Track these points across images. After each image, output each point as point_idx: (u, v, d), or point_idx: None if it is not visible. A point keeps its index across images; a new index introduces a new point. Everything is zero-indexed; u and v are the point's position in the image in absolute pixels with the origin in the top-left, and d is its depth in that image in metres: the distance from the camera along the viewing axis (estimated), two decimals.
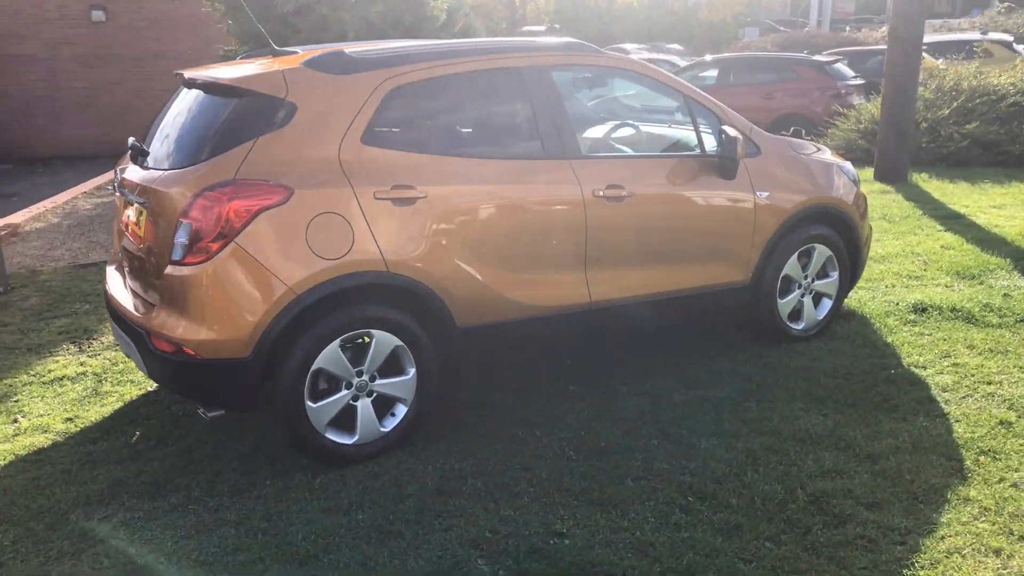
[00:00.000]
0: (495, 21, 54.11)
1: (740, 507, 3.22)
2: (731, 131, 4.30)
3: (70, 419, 4.24)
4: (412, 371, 3.73)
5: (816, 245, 4.85)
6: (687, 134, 4.59)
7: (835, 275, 5.00)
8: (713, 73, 14.31)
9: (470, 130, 3.98)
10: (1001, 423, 3.87)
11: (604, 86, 5.04)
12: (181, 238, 3.34)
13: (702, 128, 4.50)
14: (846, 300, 5.53)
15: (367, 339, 3.61)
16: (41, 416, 4.30)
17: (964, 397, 4.16)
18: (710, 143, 4.45)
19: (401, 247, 3.58)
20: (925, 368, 4.52)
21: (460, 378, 4.23)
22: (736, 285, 4.61)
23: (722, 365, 4.62)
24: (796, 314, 4.94)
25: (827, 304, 5.03)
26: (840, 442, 3.72)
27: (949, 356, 4.66)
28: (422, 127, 3.79)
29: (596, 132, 4.64)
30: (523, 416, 4.06)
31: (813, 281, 4.94)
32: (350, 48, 3.82)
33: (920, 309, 5.38)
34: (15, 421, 4.26)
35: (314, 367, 3.48)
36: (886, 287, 5.87)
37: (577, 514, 3.21)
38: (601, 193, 4.06)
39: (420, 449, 3.77)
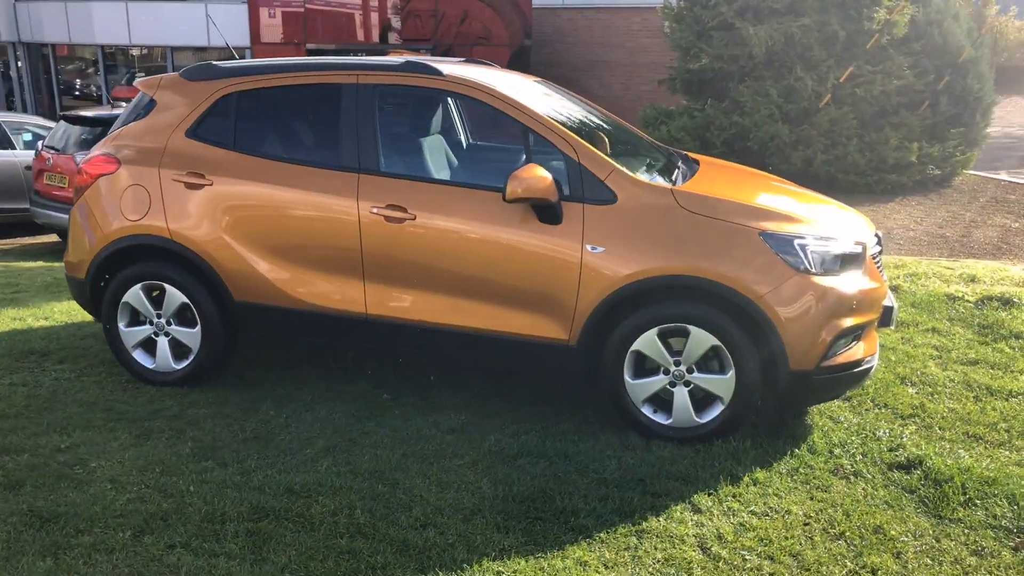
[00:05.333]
0: None
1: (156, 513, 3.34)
2: (522, 170, 3.85)
3: None
4: (197, 327, 4.53)
5: (691, 327, 3.89)
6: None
7: (731, 374, 3.90)
8: None
9: (275, 135, 4.46)
10: None
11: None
12: (75, 191, 4.78)
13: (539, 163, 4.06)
14: (819, 419, 4.18)
15: (168, 289, 4.54)
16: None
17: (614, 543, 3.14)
18: None
19: (183, 221, 4.41)
20: (667, 518, 3.40)
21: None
22: (555, 343, 4.06)
23: (537, 425, 4.16)
24: (662, 404, 4.04)
25: (717, 408, 3.96)
26: (376, 522, 3.33)
27: (746, 516, 3.38)
28: (235, 129, 4.45)
29: (424, 154, 4.48)
30: (282, 397, 4.48)
31: (691, 372, 3.95)
32: (223, 62, 4.67)
33: (904, 467, 3.78)
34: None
35: (123, 300, 4.59)
36: (938, 430, 4.13)
37: (97, 462, 3.75)
38: (377, 211, 4.15)
39: (191, 392, 4.54)
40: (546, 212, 3.94)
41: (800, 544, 3.18)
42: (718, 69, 11.56)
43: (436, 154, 4.40)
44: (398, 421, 4.22)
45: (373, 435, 4.06)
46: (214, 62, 4.70)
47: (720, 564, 3.06)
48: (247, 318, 4.47)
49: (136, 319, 4.64)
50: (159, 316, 4.58)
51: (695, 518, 3.36)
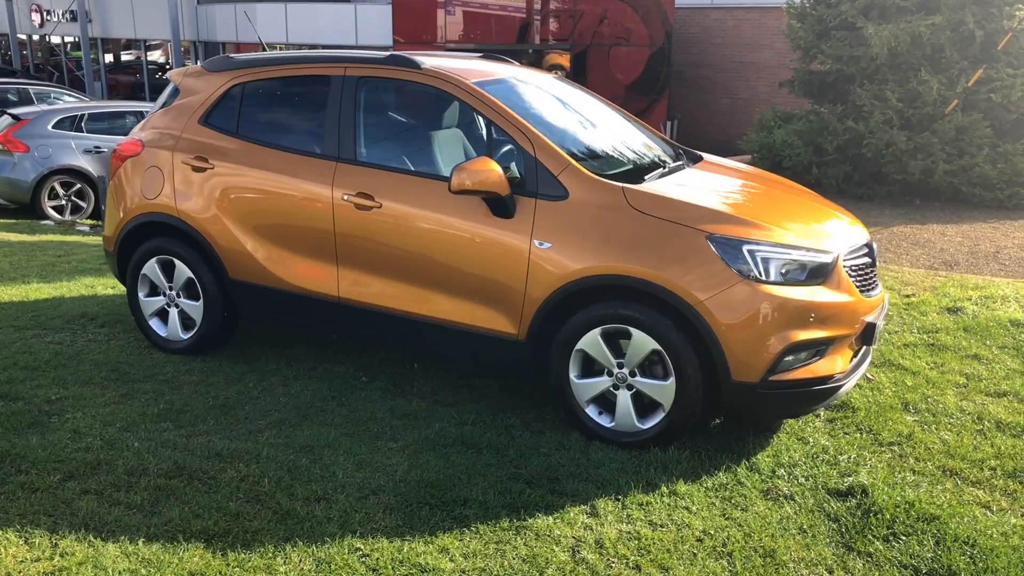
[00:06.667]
0: None
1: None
2: (472, 162, 3.88)
3: None
4: (200, 301, 4.88)
5: (632, 329, 3.79)
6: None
7: (670, 381, 3.77)
8: None
9: (270, 124, 4.69)
10: None
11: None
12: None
13: (497, 157, 4.10)
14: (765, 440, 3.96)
15: (176, 263, 4.92)
16: None
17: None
18: None
19: (188, 201, 4.76)
20: (558, 518, 3.33)
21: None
22: (506, 337, 4.08)
23: (502, 421, 4.19)
24: (607, 405, 3.97)
25: (660, 415, 3.85)
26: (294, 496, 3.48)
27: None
28: (238, 117, 4.74)
29: (400, 145, 4.53)
30: (268, 372, 4.74)
31: (634, 375, 3.86)
32: (238, 55, 4.98)
33: (842, 494, 3.53)
34: None
35: (142, 272, 5.02)
36: (912, 461, 3.80)
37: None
38: (346, 198, 4.32)
39: (192, 360, 4.89)
40: (497, 205, 3.96)
41: (677, 559, 3.05)
42: (838, 71, 10.95)
43: (417, 145, 4.50)
44: (359, 403, 4.36)
45: (328, 414, 4.23)
46: (231, 55, 5.03)
47: (579, 568, 2.99)
48: (240, 296, 4.76)
49: (154, 290, 5.06)
50: (171, 288, 4.96)
51: (587, 521, 3.29)
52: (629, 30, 18.72)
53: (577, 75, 18.67)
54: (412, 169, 4.30)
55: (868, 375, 4.73)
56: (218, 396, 4.41)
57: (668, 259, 3.70)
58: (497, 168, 3.87)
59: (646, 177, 4.20)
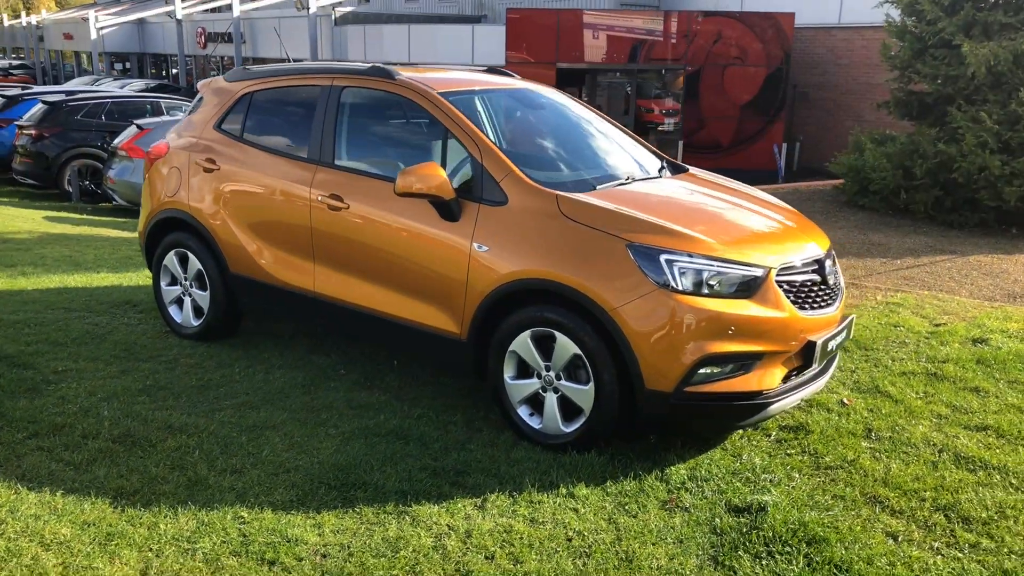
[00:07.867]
0: None
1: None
2: (418, 166, 4.07)
3: None
4: (207, 292, 5.32)
5: (556, 333, 3.88)
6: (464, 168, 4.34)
7: (590, 386, 3.83)
8: None
9: (268, 130, 5.05)
10: None
11: None
12: None
13: (450, 163, 4.29)
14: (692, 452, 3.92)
15: (189, 256, 5.39)
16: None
17: None
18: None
19: (198, 198, 5.21)
20: (444, 508, 3.45)
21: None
22: (449, 335, 4.24)
23: (443, 419, 4.37)
24: (537, 406, 4.06)
25: (581, 420, 3.90)
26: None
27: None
28: (244, 123, 5.14)
29: (373, 151, 4.74)
30: (259, 360, 5.09)
31: (560, 379, 3.94)
32: (254, 67, 5.40)
33: (740, 510, 3.48)
34: None
35: (163, 263, 5.52)
36: (841, 486, 3.67)
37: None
38: (320, 199, 4.62)
39: (198, 345, 5.33)
40: (443, 209, 4.14)
41: (536, 554, 3.11)
42: (937, 91, 10.39)
43: (386, 151, 4.75)
44: (324, 392, 4.62)
45: (291, 400, 4.51)
46: (248, 67, 5.46)
47: (434, 554, 3.10)
48: (239, 288, 5.15)
49: (174, 280, 5.54)
50: (185, 279, 5.43)
51: (470, 513, 3.39)
52: (744, 50, 18.34)
53: (690, 95, 18.48)
54: (378, 173, 4.54)
55: (844, 399, 4.56)
56: (203, 377, 4.79)
57: (589, 265, 3.76)
58: (441, 172, 4.05)
59: (599, 187, 4.26)
